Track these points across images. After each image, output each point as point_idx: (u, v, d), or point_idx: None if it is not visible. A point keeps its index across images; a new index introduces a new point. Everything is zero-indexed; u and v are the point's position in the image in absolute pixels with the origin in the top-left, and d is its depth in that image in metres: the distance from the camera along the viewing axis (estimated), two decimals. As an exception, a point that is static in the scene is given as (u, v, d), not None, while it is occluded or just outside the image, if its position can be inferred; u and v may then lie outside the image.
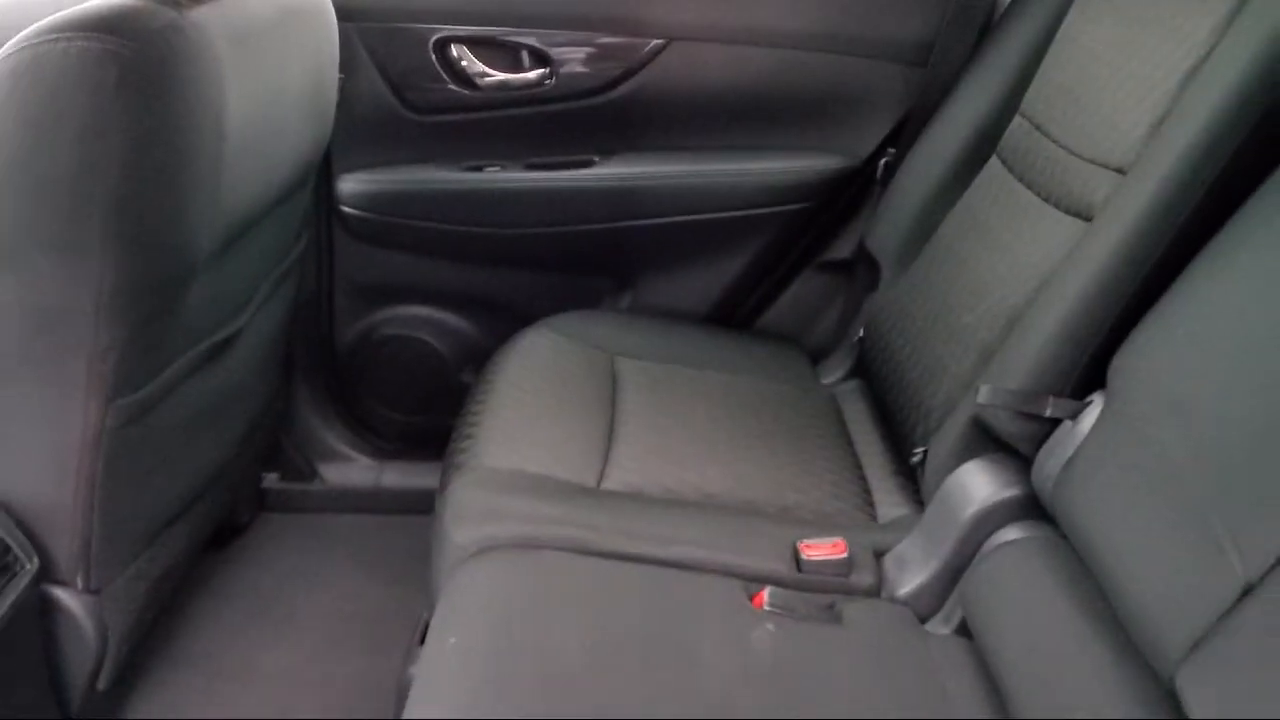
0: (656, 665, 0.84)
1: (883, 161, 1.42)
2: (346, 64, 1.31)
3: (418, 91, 1.39)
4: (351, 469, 1.61)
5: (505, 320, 1.45)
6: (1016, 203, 1.12)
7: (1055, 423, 0.90)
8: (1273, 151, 0.80)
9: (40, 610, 0.96)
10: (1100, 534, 0.78)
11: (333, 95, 1.25)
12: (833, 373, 1.41)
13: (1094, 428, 0.83)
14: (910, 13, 1.37)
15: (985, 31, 1.35)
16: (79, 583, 0.98)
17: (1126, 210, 0.88)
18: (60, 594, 0.98)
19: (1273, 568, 0.61)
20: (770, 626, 0.90)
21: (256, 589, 1.45)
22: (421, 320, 1.55)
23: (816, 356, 1.47)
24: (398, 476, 1.61)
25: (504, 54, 1.39)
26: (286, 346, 1.46)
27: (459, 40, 1.38)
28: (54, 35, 0.79)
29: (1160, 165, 0.86)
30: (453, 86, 1.39)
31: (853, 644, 0.90)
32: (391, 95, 1.39)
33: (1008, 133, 1.20)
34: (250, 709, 1.25)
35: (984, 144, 1.24)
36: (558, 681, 0.81)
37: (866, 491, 1.14)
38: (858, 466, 1.19)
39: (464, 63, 1.39)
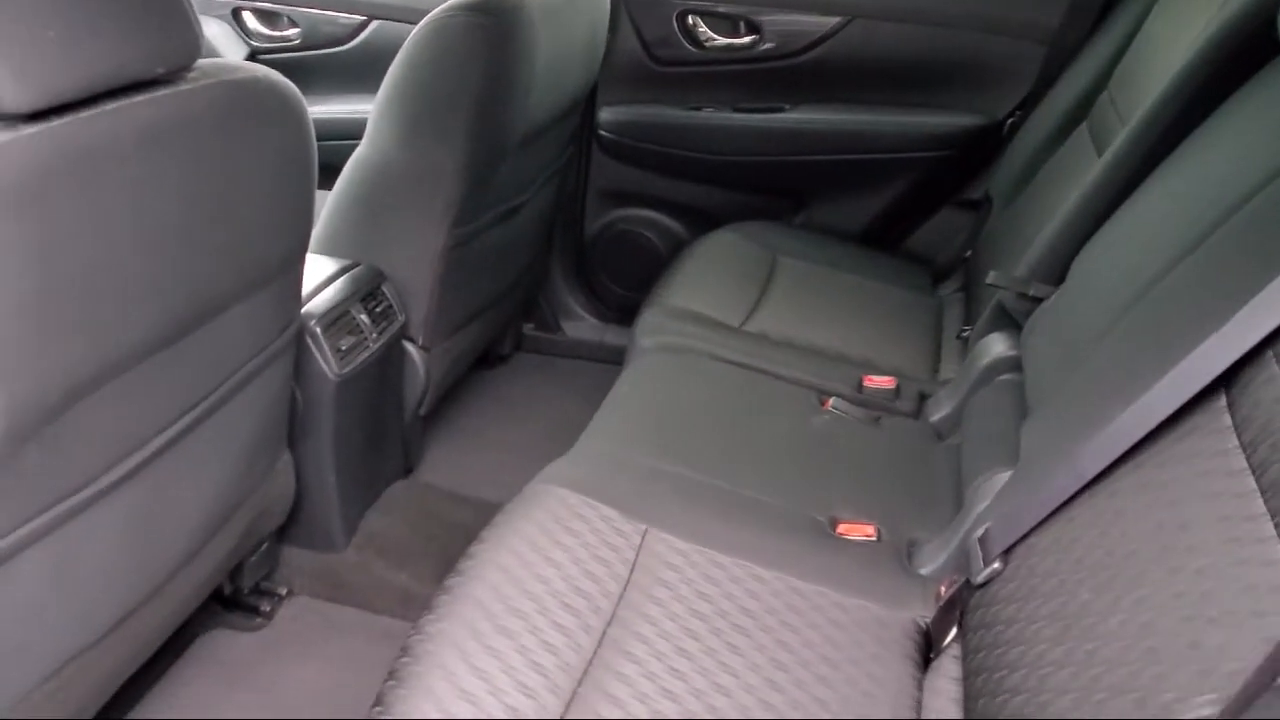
0: (744, 426, 1.43)
1: (1009, 121, 1.87)
2: (613, 25, 1.96)
3: (661, 48, 2.02)
4: (584, 326, 2.32)
5: (707, 224, 2.05)
6: (1084, 156, 1.56)
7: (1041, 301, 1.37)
8: (1199, 119, 1.21)
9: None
10: (1031, 370, 1.27)
11: (601, 48, 1.92)
12: (948, 287, 1.89)
13: (1049, 304, 1.31)
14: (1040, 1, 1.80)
15: (1100, 19, 1.76)
16: (420, 340, 1.73)
17: (1111, 154, 1.33)
18: (409, 346, 1.73)
19: (1085, 361, 1.09)
20: (827, 418, 1.47)
21: (510, 396, 2.21)
22: (645, 219, 2.21)
23: (942, 275, 1.96)
24: (617, 336, 2.29)
25: (726, 23, 1.99)
26: (549, 229, 2.17)
27: (695, 12, 1.99)
28: (453, 11, 1.50)
29: (1133, 121, 1.30)
30: (687, 46, 2.01)
31: (881, 440, 1.44)
32: (642, 50, 2.03)
33: (1096, 104, 1.62)
34: (495, 465, 1.97)
35: (1081, 112, 1.67)
36: (683, 424, 1.41)
37: (937, 359, 1.65)
38: (937, 344, 1.69)
39: (697, 29, 2.00)
